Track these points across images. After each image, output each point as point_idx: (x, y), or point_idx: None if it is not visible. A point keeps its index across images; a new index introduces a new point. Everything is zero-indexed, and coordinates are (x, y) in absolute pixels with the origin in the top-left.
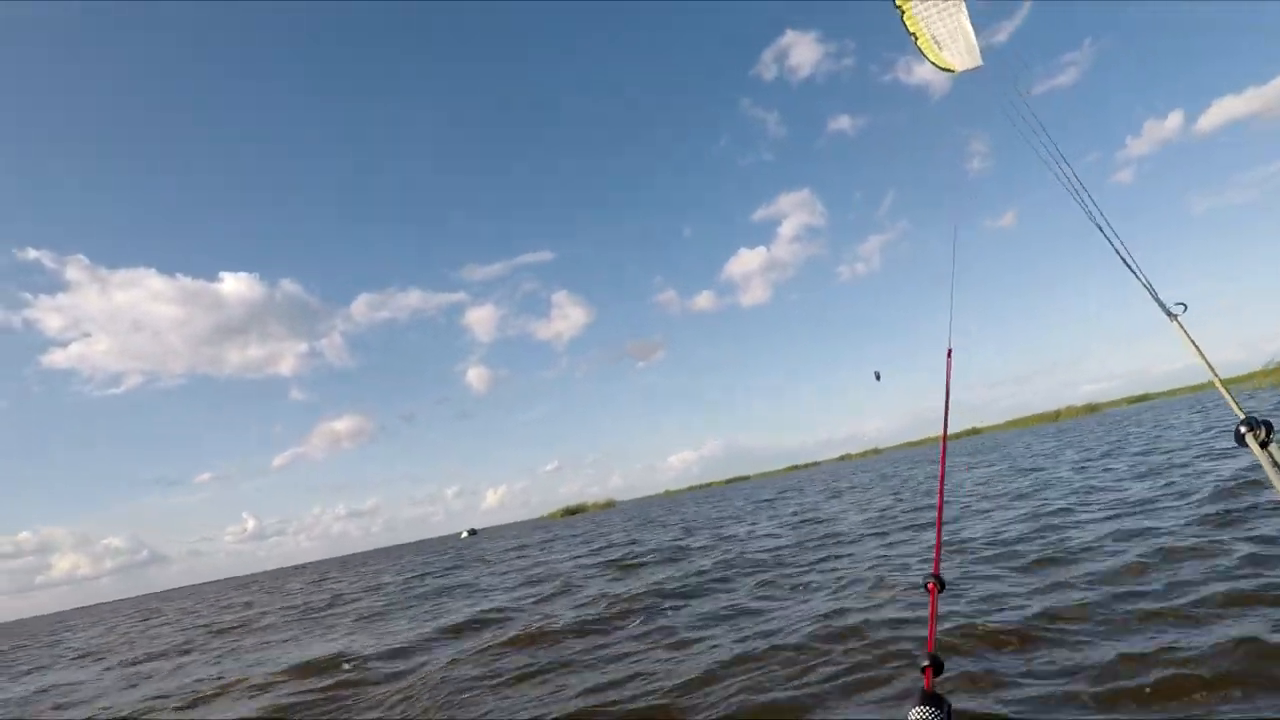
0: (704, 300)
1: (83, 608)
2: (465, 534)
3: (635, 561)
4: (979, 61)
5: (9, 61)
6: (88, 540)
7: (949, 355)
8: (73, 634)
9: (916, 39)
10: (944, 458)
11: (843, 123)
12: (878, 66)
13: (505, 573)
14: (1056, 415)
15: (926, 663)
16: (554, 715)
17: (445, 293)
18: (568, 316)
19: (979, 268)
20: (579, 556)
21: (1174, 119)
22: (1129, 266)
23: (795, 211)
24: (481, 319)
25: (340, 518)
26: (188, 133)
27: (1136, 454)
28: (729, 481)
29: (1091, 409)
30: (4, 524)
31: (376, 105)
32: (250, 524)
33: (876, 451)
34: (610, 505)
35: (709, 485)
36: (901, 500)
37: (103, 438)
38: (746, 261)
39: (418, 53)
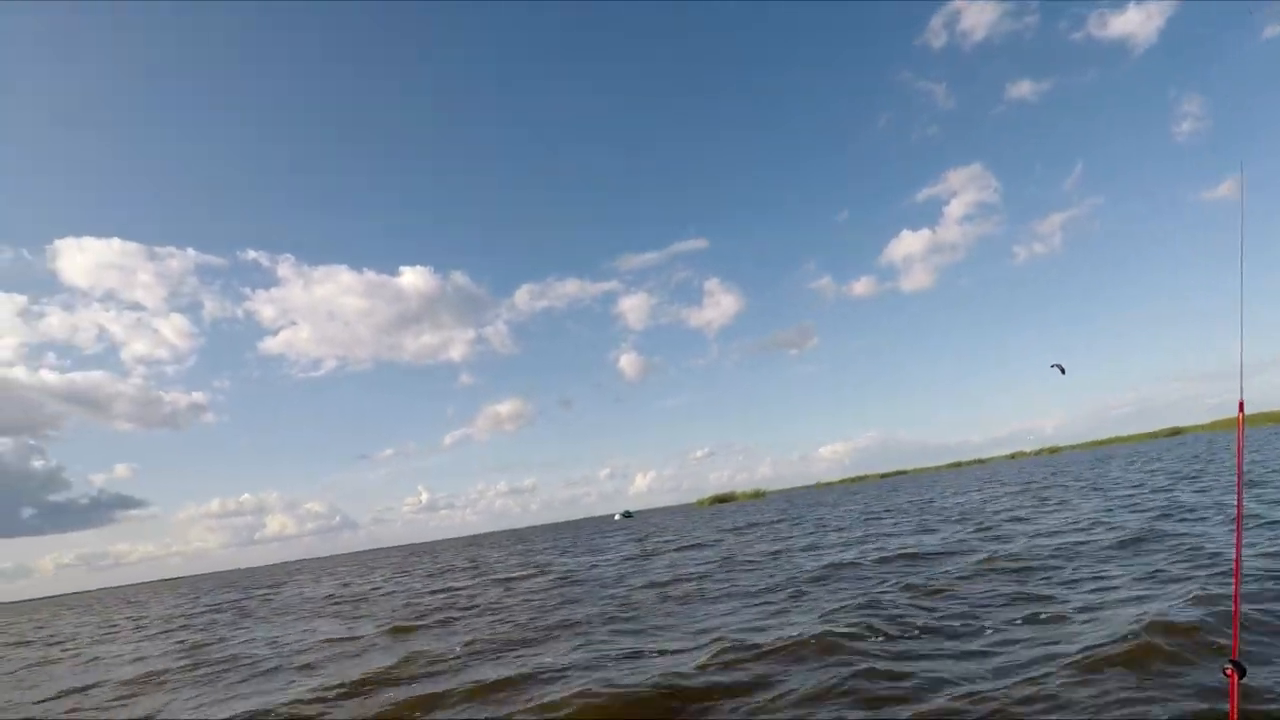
0: (861, 286)
1: (315, 558)
2: (619, 515)
3: None
4: None
5: (233, 92)
6: (294, 504)
7: (1240, 408)
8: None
9: None
10: (1239, 530)
11: (1023, 89)
12: (1067, 22)
13: None
14: None
15: None
16: None
17: (601, 282)
18: (719, 304)
19: (1190, 244)
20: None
21: None
22: None
23: (965, 188)
24: (635, 307)
25: (502, 494)
26: (374, 140)
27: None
28: (884, 476)
29: None
30: (231, 487)
31: (535, 106)
32: (424, 497)
33: (1053, 450)
34: (759, 495)
35: (863, 478)
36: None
37: (306, 415)
38: (909, 244)
39: (573, 48)
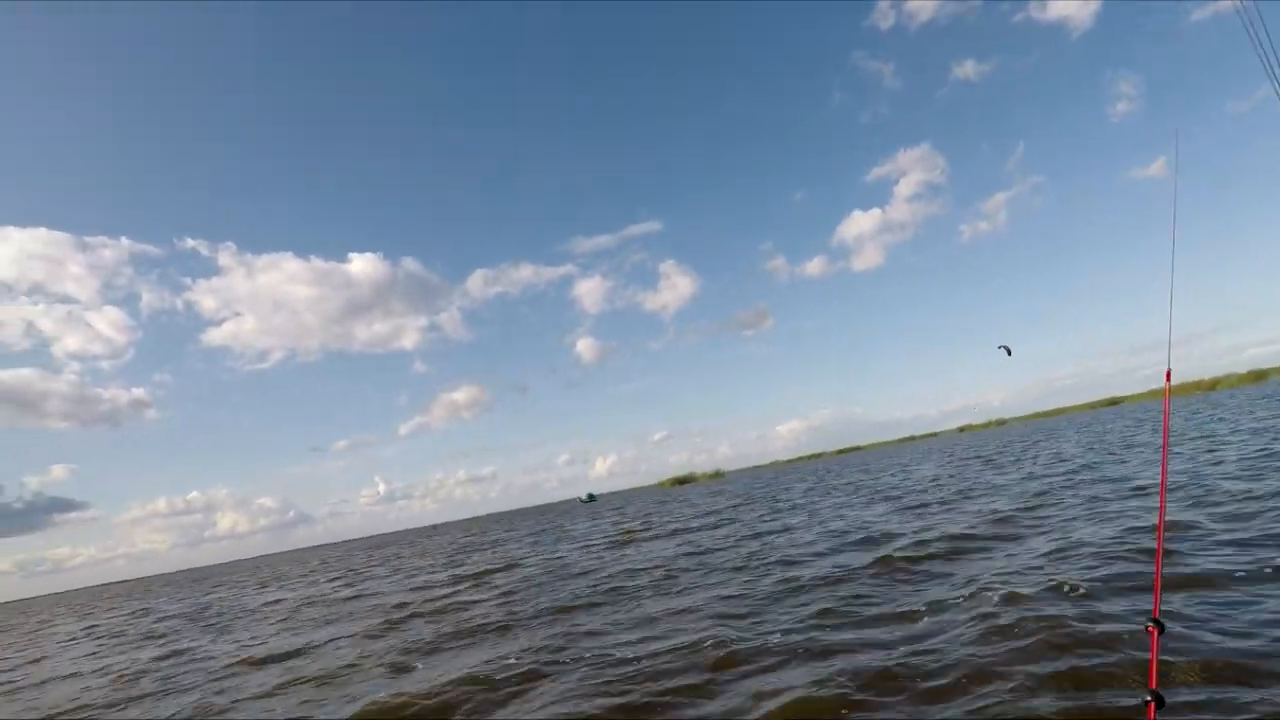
0: (814, 266)
1: (272, 554)
2: (583, 499)
3: None
4: None
5: (164, 75)
6: (245, 501)
7: (1168, 377)
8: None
9: None
10: (1164, 492)
11: (967, 69)
12: (1009, 4)
13: None
14: (1214, 384)
15: (1149, 699)
16: None
17: (555, 266)
18: (675, 286)
19: (1127, 220)
20: None
21: None
22: None
23: (913, 168)
24: (590, 291)
25: (461, 483)
26: (318, 125)
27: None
28: (840, 452)
29: (1258, 376)
30: (177, 485)
31: (485, 90)
32: (381, 488)
33: (1001, 423)
34: (719, 475)
35: (819, 455)
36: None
37: (254, 408)
38: (860, 224)
39: (521, 34)
